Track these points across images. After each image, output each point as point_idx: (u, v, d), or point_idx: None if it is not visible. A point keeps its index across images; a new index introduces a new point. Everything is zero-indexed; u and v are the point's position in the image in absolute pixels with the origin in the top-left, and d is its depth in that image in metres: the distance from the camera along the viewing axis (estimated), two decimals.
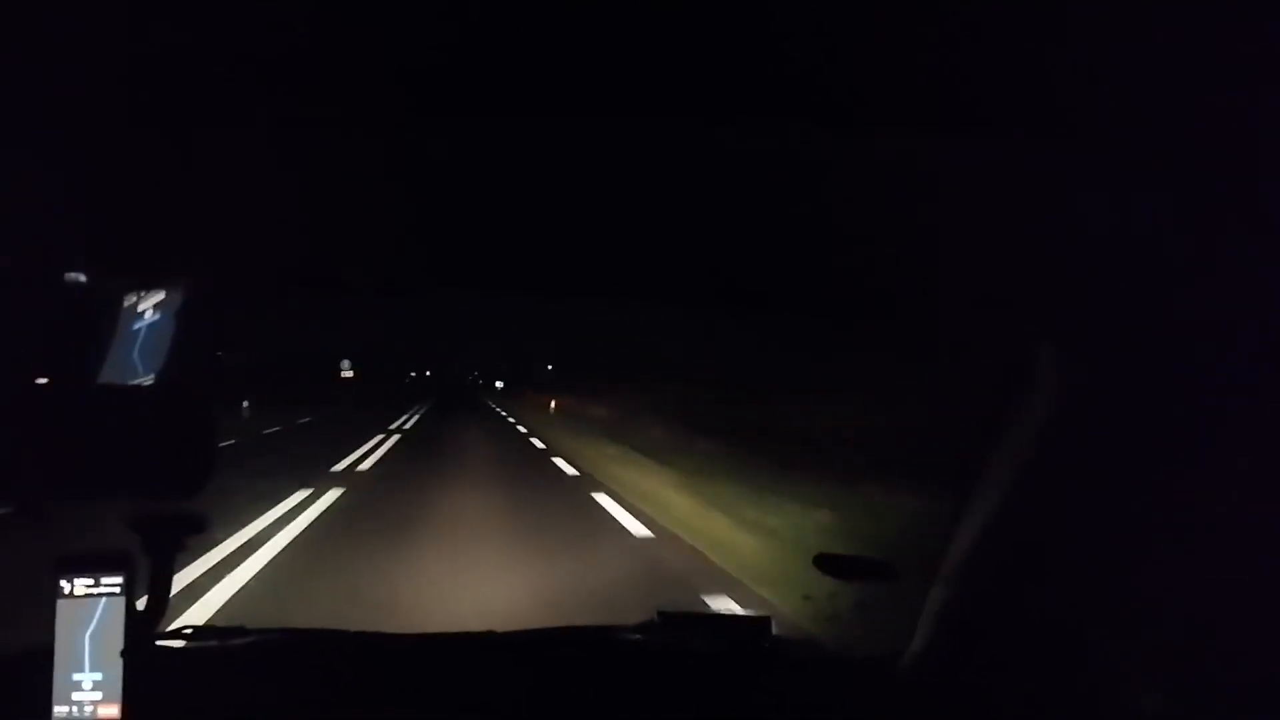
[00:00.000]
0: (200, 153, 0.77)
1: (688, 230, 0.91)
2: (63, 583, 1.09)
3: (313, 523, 7.15)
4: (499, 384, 69.45)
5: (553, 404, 28.58)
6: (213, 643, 1.34)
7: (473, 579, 5.16)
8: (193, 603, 4.52)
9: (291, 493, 8.49)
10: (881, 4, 0.57)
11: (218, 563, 5.47)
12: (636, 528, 7.08)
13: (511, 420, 24.40)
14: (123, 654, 1.08)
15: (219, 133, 0.75)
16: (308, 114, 0.72)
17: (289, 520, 7.17)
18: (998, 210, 0.80)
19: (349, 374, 46.96)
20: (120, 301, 1.12)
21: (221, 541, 6.03)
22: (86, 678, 1.07)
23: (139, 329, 1.11)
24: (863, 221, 0.86)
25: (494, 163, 0.80)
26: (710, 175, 0.79)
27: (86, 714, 1.07)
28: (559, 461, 12.33)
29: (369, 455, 13.26)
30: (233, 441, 14.54)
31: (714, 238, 0.92)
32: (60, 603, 1.09)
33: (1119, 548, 1.01)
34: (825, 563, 1.40)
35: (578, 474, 10.92)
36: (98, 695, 1.07)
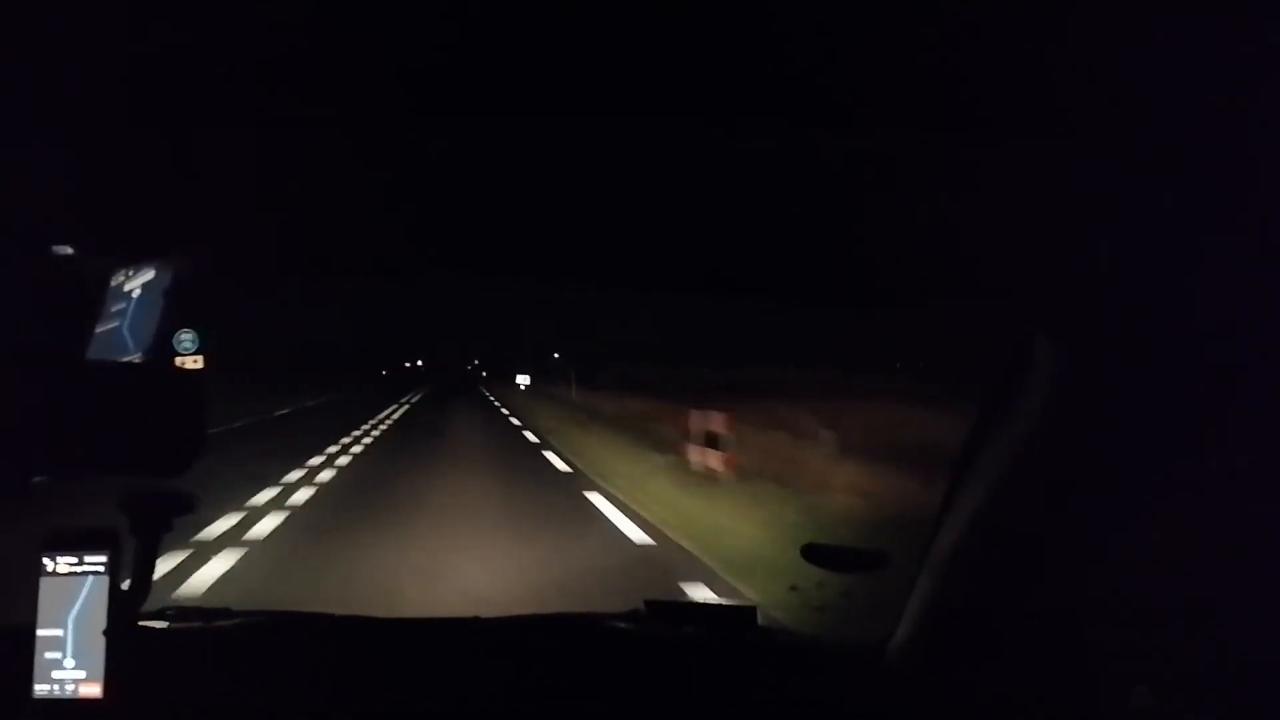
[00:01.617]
0: (196, 141, 0.77)
1: (689, 226, 0.90)
2: (46, 561, 1.08)
3: None
4: (523, 380, 38.75)
5: None
6: (196, 624, 1.34)
7: None
8: None
9: None
10: (881, 4, 0.56)
11: None
12: None
13: None
14: (106, 633, 1.07)
15: (218, 126, 0.74)
16: (307, 113, 0.72)
17: None
18: (997, 209, 0.80)
19: (194, 362, 10.77)
20: (109, 277, 1.11)
21: None
22: (68, 657, 1.07)
23: (128, 306, 1.10)
24: (861, 219, 0.86)
25: (494, 158, 0.79)
26: (710, 172, 0.79)
27: (68, 693, 1.06)
28: None
29: None
30: None
31: (715, 233, 0.92)
32: (43, 581, 1.08)
33: (1108, 542, 1.02)
34: (814, 553, 1.41)
35: None
36: (80, 674, 1.07)
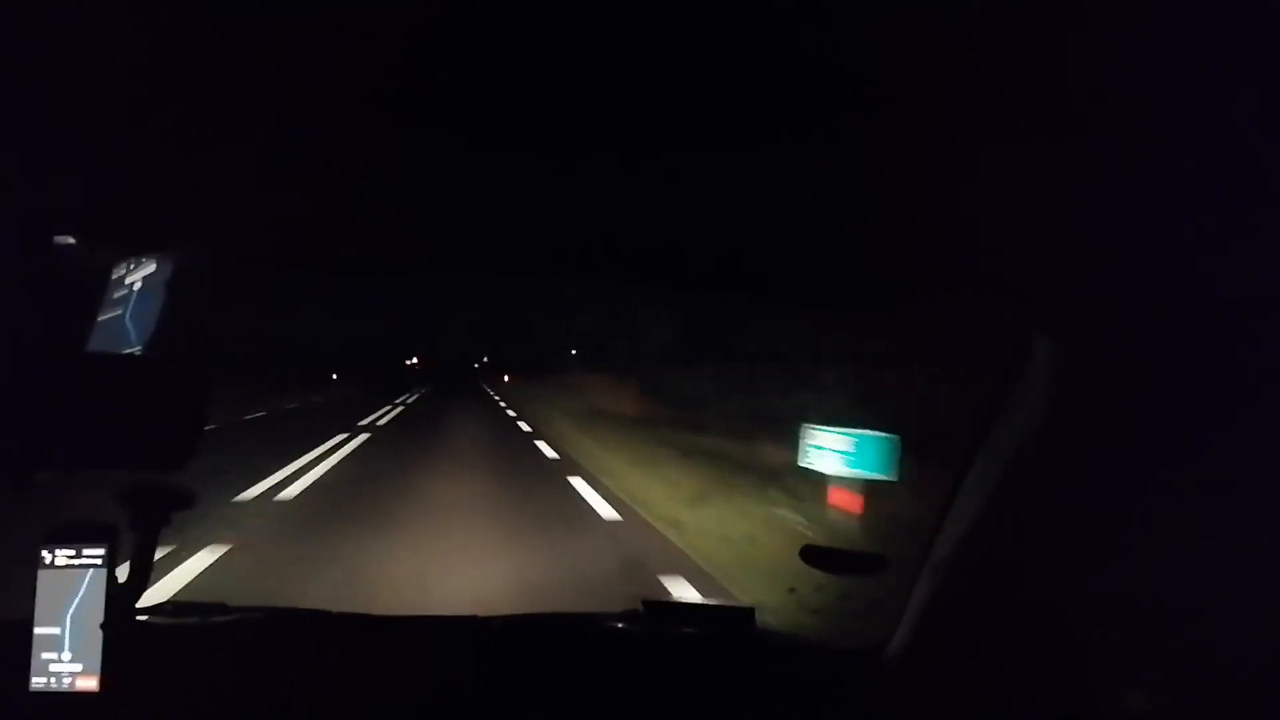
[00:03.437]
0: (199, 134, 0.77)
1: (688, 223, 0.90)
2: (44, 553, 1.08)
3: None
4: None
5: None
6: (193, 619, 1.34)
7: None
8: None
9: None
10: (880, 4, 0.56)
11: None
12: None
13: None
14: (103, 627, 1.07)
15: (220, 120, 0.74)
16: (309, 110, 0.72)
17: None
18: (998, 208, 0.80)
19: None
20: (111, 269, 1.11)
21: None
22: (65, 650, 1.07)
23: (130, 297, 1.10)
24: (862, 218, 0.86)
25: (495, 157, 0.80)
26: (710, 170, 0.79)
27: (64, 685, 1.06)
28: None
29: None
30: None
31: (714, 231, 0.92)
32: (41, 574, 1.08)
33: (1107, 544, 1.02)
34: (812, 555, 1.40)
35: None
36: (76, 667, 1.06)
